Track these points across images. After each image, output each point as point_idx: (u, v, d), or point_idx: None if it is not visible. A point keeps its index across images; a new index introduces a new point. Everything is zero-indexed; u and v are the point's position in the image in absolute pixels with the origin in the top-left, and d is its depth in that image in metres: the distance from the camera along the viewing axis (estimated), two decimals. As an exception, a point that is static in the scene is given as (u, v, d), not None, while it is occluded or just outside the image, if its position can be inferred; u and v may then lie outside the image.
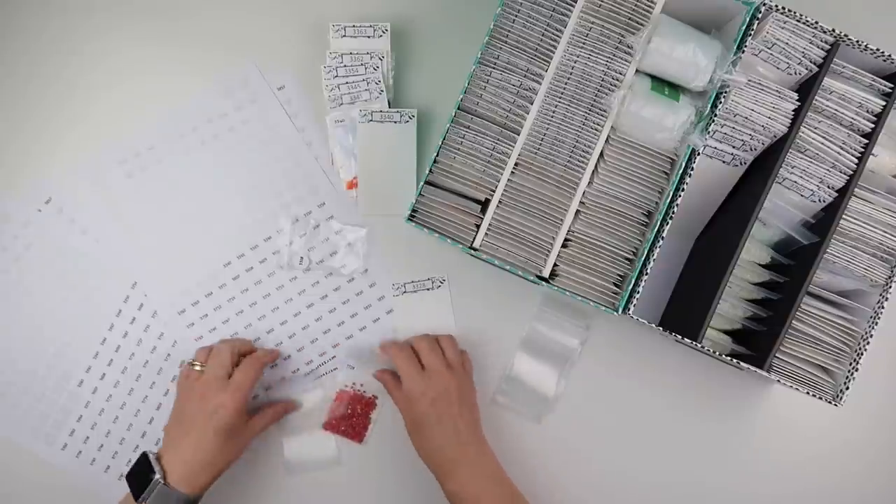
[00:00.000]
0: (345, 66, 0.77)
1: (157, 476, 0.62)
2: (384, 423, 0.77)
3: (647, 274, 0.65)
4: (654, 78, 0.68)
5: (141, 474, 0.63)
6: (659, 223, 0.66)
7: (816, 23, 0.65)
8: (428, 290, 0.78)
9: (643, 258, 0.66)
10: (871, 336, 0.65)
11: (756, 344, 0.69)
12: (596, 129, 0.68)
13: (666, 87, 0.67)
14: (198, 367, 0.69)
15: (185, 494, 0.63)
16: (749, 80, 0.65)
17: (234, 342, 0.73)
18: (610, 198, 0.69)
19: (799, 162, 0.66)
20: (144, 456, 0.64)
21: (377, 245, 0.79)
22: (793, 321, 0.65)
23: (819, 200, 0.67)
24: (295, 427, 0.76)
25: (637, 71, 0.68)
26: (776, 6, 0.65)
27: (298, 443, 0.76)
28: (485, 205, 0.69)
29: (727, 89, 0.65)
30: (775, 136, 0.67)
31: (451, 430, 0.67)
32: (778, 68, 0.67)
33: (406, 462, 0.73)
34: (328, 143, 0.79)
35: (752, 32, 0.65)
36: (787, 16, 0.65)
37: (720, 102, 0.66)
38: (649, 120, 0.66)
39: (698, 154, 0.66)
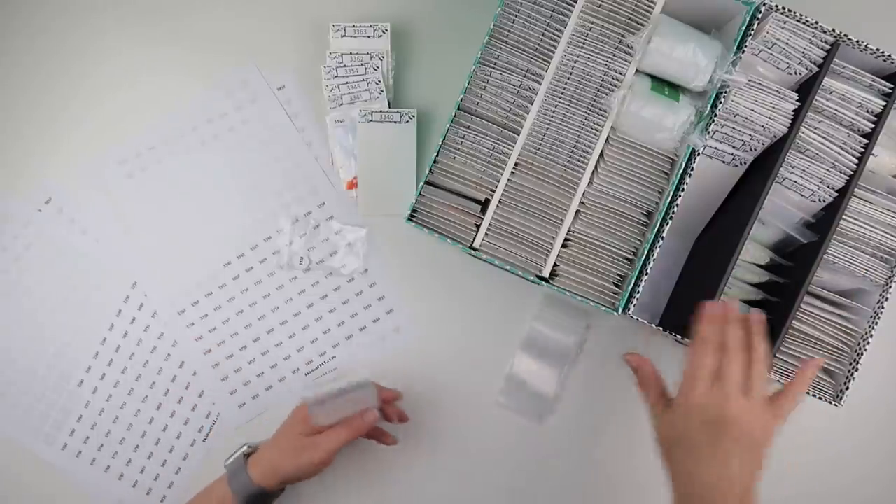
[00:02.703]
0: (345, 66, 0.77)
1: (244, 450, 0.69)
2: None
3: (647, 274, 0.65)
4: (654, 78, 0.68)
5: (239, 449, 0.70)
6: (659, 223, 0.66)
7: (816, 23, 0.65)
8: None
9: (643, 258, 0.66)
10: (871, 336, 0.65)
11: (756, 344, 0.69)
12: (596, 129, 0.68)
13: (666, 87, 0.67)
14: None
15: (250, 477, 0.65)
16: (749, 80, 0.65)
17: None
18: (610, 198, 0.68)
19: (799, 162, 0.66)
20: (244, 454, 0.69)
21: (377, 245, 0.79)
22: (793, 321, 0.65)
23: (819, 200, 0.67)
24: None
25: (637, 71, 0.68)
26: (776, 6, 0.65)
27: None
28: (485, 205, 0.69)
29: (727, 89, 0.65)
30: (775, 136, 0.67)
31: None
32: (778, 68, 0.67)
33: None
34: (328, 143, 0.79)
35: (752, 32, 0.65)
36: (787, 16, 0.65)
37: (720, 102, 0.66)
38: (649, 120, 0.66)
39: (698, 154, 0.66)
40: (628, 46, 0.67)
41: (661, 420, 0.59)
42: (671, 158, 0.68)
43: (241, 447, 0.69)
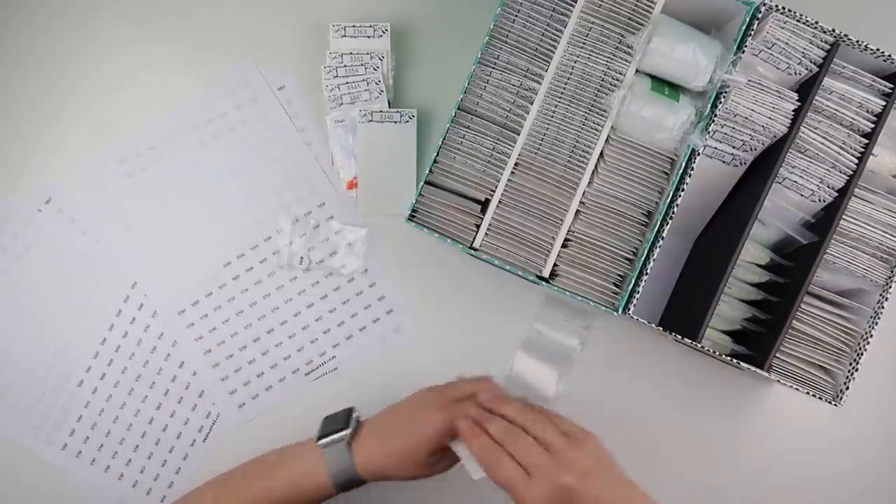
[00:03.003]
0: (345, 66, 0.77)
1: (347, 433, 0.59)
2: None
3: (647, 274, 0.65)
4: (653, 78, 0.68)
5: (335, 422, 0.61)
6: (659, 223, 0.66)
7: (816, 23, 0.65)
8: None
9: (643, 258, 0.66)
10: (871, 336, 0.65)
11: (756, 344, 0.69)
12: (596, 129, 0.68)
13: (666, 87, 0.67)
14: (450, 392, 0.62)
15: (353, 464, 0.59)
16: (749, 81, 0.65)
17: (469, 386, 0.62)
18: (610, 198, 0.69)
19: (799, 162, 0.66)
20: (350, 411, 0.62)
21: (377, 245, 0.79)
22: (793, 321, 0.65)
23: (819, 200, 0.67)
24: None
25: (637, 71, 0.68)
26: (776, 6, 0.65)
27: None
28: (485, 205, 0.69)
29: (727, 89, 0.65)
30: (775, 136, 0.67)
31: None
32: (778, 68, 0.67)
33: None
34: (328, 143, 0.79)
35: (752, 32, 0.65)
36: (787, 16, 0.65)
37: (720, 102, 0.66)
38: (649, 120, 0.66)
39: (698, 154, 0.66)
40: (628, 46, 0.67)
41: None
42: (671, 158, 0.68)
43: (343, 434, 0.59)
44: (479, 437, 0.56)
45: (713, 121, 0.65)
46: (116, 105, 0.79)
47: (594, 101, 0.68)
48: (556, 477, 0.52)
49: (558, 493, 0.52)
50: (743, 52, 0.65)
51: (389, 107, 0.78)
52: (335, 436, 0.59)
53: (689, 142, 0.65)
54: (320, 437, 0.60)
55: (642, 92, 0.66)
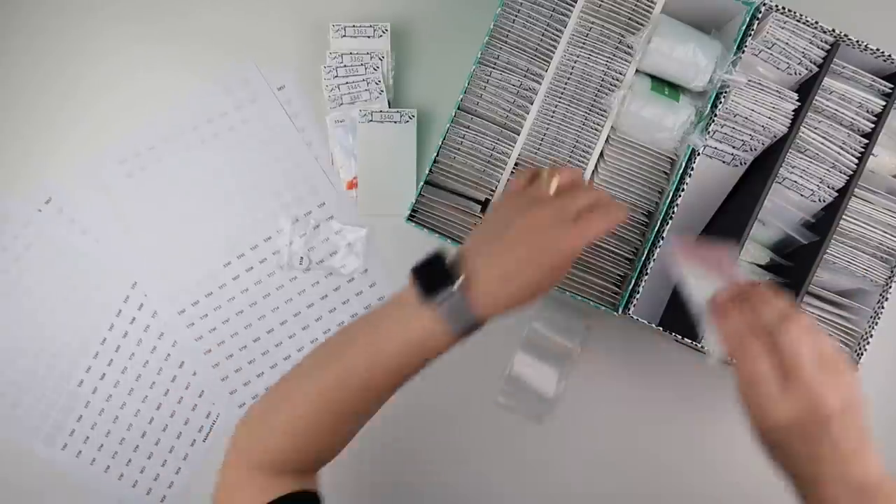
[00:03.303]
0: (345, 66, 0.77)
1: (459, 282, 0.50)
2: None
3: (647, 274, 0.65)
4: (653, 78, 0.68)
5: (434, 273, 0.52)
6: (659, 223, 0.66)
7: (816, 23, 0.65)
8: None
9: (643, 258, 0.66)
10: (871, 336, 0.65)
11: (756, 344, 0.68)
12: (596, 129, 0.68)
13: (666, 87, 0.67)
14: (553, 187, 0.53)
15: (476, 316, 0.51)
16: (749, 81, 0.65)
17: (590, 192, 0.53)
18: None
19: (799, 162, 0.66)
20: (442, 258, 0.53)
21: (377, 245, 0.79)
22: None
23: (819, 200, 0.67)
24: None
25: (637, 71, 0.68)
26: (776, 6, 0.65)
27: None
28: (485, 205, 0.69)
29: (727, 89, 0.65)
30: (775, 136, 0.67)
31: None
32: (778, 68, 0.67)
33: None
34: (328, 143, 0.79)
35: (752, 32, 0.65)
36: (787, 16, 0.65)
37: (720, 102, 0.66)
38: (649, 120, 0.66)
39: (698, 154, 0.66)
40: (628, 46, 0.67)
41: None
42: (671, 158, 0.68)
43: (455, 286, 0.50)
44: (733, 316, 0.48)
45: (713, 121, 0.65)
46: (116, 105, 0.79)
47: (594, 101, 0.68)
48: (820, 397, 0.45)
49: (809, 416, 0.45)
50: (743, 52, 0.65)
51: (389, 107, 0.78)
52: (445, 292, 0.50)
53: (689, 142, 0.66)
54: (427, 294, 0.51)
55: (642, 92, 0.66)
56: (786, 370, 0.46)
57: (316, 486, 0.55)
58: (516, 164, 0.68)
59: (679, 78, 0.67)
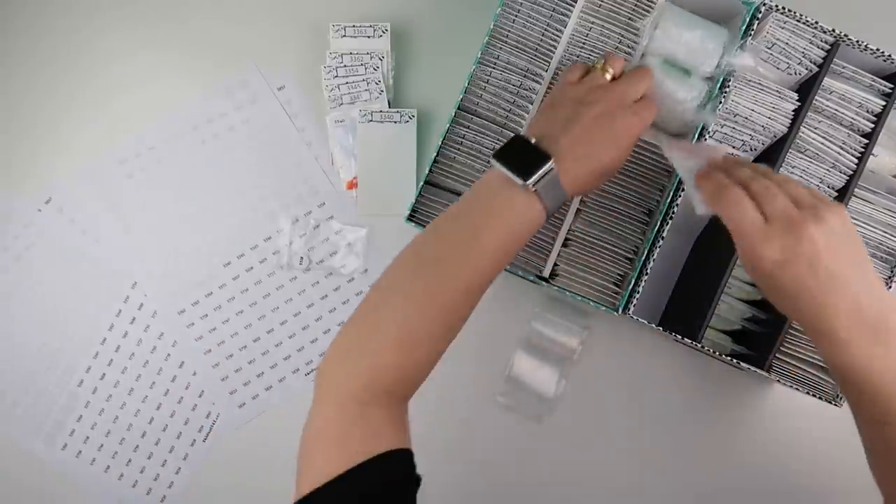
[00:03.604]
0: (345, 66, 0.77)
1: (552, 161, 0.52)
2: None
3: (647, 274, 0.65)
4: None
5: (526, 156, 0.53)
6: (660, 222, 0.66)
7: (816, 23, 0.65)
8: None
9: (644, 258, 0.66)
10: (872, 336, 0.65)
11: (756, 344, 0.69)
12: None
13: (675, 66, 0.66)
14: (608, 76, 0.59)
15: (566, 193, 0.54)
16: (749, 80, 0.65)
17: (639, 82, 0.59)
18: (611, 196, 0.68)
19: (799, 162, 0.66)
20: (526, 140, 0.55)
21: (377, 245, 0.79)
22: (793, 321, 0.65)
23: (819, 200, 0.67)
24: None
25: (643, 56, 0.67)
26: (776, 6, 0.65)
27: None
28: (485, 205, 0.69)
29: (735, 74, 0.64)
30: (775, 136, 0.67)
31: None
32: (778, 68, 0.67)
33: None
34: (328, 143, 0.79)
35: (752, 32, 0.65)
36: (787, 16, 0.65)
37: (728, 84, 0.64)
38: (662, 92, 0.64)
39: (709, 135, 0.65)
40: (635, 30, 0.66)
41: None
42: (671, 158, 0.68)
43: (549, 166, 0.52)
44: (714, 174, 0.52)
45: (723, 100, 0.64)
46: (116, 105, 0.79)
47: (594, 101, 0.68)
48: (802, 226, 0.45)
49: (795, 248, 0.46)
50: (751, 35, 0.64)
51: (389, 107, 0.78)
52: (542, 171, 0.52)
53: (703, 119, 0.64)
54: (525, 175, 0.52)
55: (655, 64, 0.65)
56: (766, 215, 0.47)
57: (407, 426, 0.53)
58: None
59: (687, 62, 0.66)
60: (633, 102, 0.58)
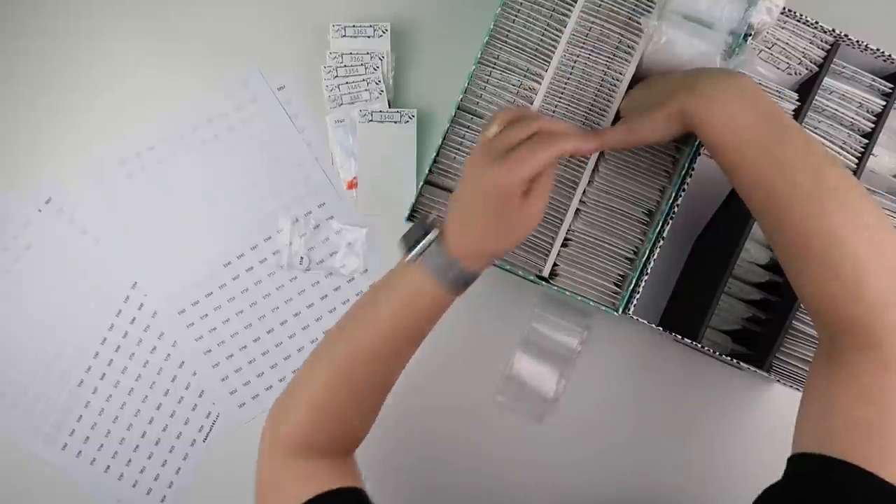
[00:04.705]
0: (345, 66, 0.77)
1: (434, 234, 0.55)
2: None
3: (647, 274, 0.65)
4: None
5: (415, 237, 0.56)
6: (660, 223, 0.66)
7: (816, 23, 0.65)
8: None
9: (644, 258, 0.66)
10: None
11: (756, 344, 0.69)
12: (596, 129, 0.68)
13: (697, 19, 0.64)
14: (490, 132, 0.56)
15: (459, 265, 0.54)
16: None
17: (526, 114, 0.57)
18: (611, 197, 0.68)
19: (799, 162, 0.66)
20: (423, 218, 0.58)
21: (377, 245, 0.79)
22: (793, 321, 0.65)
23: (819, 200, 0.67)
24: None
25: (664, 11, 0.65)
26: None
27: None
28: (485, 205, 0.69)
29: (754, 30, 0.62)
30: (775, 136, 0.67)
31: None
32: (778, 68, 0.67)
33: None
34: (328, 143, 0.79)
35: (753, 33, 0.65)
36: (787, 16, 0.65)
37: (749, 37, 0.62)
38: (685, 42, 0.62)
39: (699, 154, 0.66)
40: (636, 30, 0.65)
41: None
42: (673, 157, 0.68)
43: (430, 236, 0.55)
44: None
45: (744, 51, 0.62)
46: (117, 105, 0.79)
47: (594, 101, 0.68)
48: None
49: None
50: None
51: (389, 107, 0.78)
52: (423, 242, 0.55)
53: (732, 64, 0.62)
54: (410, 252, 0.55)
55: (675, 20, 0.63)
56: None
57: (353, 472, 0.56)
58: (516, 164, 0.68)
59: (708, 15, 0.63)
60: (507, 151, 0.52)
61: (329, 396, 0.55)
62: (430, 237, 0.55)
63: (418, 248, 0.55)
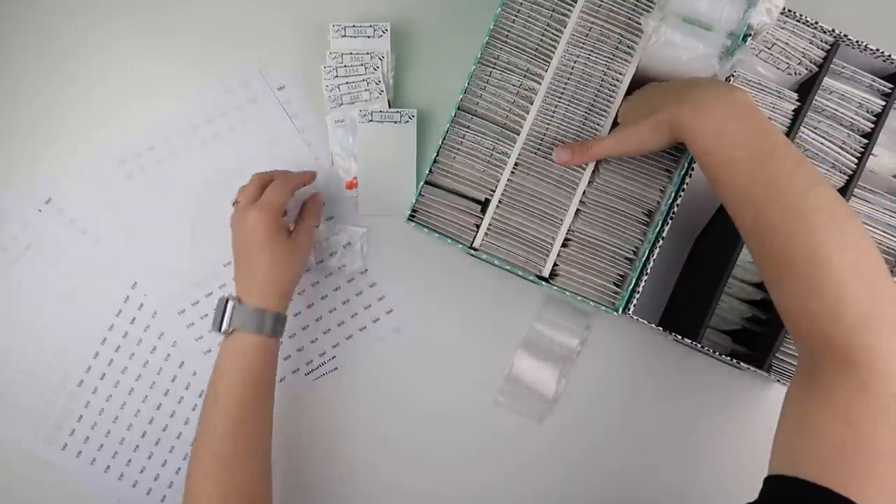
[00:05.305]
0: (345, 66, 0.77)
1: (229, 297, 0.64)
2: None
3: (647, 274, 0.65)
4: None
5: (220, 314, 0.64)
6: (660, 223, 0.66)
7: (816, 23, 0.65)
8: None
9: (644, 258, 0.66)
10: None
11: (756, 344, 0.69)
12: (596, 129, 0.68)
13: (697, 21, 0.64)
14: (234, 202, 0.69)
15: (260, 307, 0.64)
16: (749, 80, 0.65)
17: (265, 174, 0.70)
18: (611, 197, 0.68)
19: (799, 162, 0.66)
20: (222, 299, 0.65)
21: (377, 245, 0.79)
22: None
23: (819, 200, 0.67)
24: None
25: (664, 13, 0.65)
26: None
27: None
28: (485, 205, 0.69)
29: (753, 31, 0.63)
30: (775, 136, 0.67)
31: None
32: (778, 68, 0.67)
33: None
34: (328, 144, 0.79)
35: (752, 33, 0.65)
36: (787, 16, 0.65)
37: (749, 37, 0.62)
38: (683, 45, 0.63)
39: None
40: (635, 30, 0.66)
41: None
42: (673, 157, 0.68)
43: (230, 302, 0.65)
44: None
45: (743, 49, 0.62)
46: (117, 105, 0.79)
47: (594, 100, 0.68)
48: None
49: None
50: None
51: (389, 107, 0.78)
52: (227, 312, 0.64)
53: (731, 65, 0.62)
54: (220, 328, 0.64)
55: (674, 22, 0.63)
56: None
57: None
58: (516, 164, 0.68)
59: (708, 17, 0.63)
60: (253, 199, 0.65)
61: (231, 478, 0.62)
62: (229, 306, 0.64)
63: (225, 319, 0.63)
